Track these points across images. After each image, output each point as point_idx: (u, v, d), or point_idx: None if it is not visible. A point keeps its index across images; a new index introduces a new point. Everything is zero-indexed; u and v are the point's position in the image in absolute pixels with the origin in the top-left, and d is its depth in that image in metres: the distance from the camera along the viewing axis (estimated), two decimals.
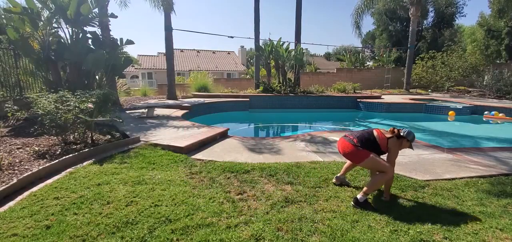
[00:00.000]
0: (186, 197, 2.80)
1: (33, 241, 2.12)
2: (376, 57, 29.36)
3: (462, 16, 25.68)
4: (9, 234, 2.18)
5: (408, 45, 16.79)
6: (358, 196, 2.72)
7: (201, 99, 10.96)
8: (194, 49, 37.47)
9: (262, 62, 14.37)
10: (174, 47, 11.94)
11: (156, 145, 4.56)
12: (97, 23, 7.92)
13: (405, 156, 4.21)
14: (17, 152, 4.07)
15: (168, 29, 11.34)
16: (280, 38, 13.60)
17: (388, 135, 2.85)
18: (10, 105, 4.99)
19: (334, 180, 3.26)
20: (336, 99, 12.19)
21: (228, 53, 38.88)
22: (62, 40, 7.40)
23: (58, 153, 4.10)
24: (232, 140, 5.20)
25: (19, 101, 6.48)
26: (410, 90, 17.05)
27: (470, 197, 3.01)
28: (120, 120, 4.95)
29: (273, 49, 12.57)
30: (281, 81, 12.92)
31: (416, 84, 18.38)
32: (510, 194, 3.08)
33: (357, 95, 12.64)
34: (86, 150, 4.08)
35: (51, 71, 7.29)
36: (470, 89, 17.28)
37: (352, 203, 2.73)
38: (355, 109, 11.85)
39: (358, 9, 16.18)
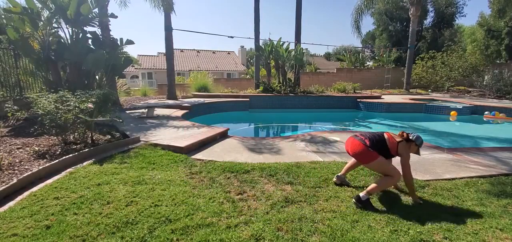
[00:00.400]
0: (186, 197, 2.80)
1: (33, 241, 2.12)
2: (376, 57, 29.37)
3: (462, 16, 25.74)
4: (9, 234, 2.18)
5: (408, 45, 16.79)
6: (361, 194, 2.72)
7: (201, 99, 10.96)
8: (194, 49, 37.47)
9: (262, 62, 14.37)
10: (174, 47, 11.94)
11: (156, 145, 4.56)
12: (97, 23, 7.92)
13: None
14: (17, 152, 4.07)
15: (168, 29, 11.35)
16: (280, 38, 13.61)
17: (398, 139, 2.86)
18: (10, 105, 4.99)
19: (334, 179, 3.27)
20: (336, 99, 12.19)
21: (228, 53, 38.88)
22: (62, 40, 7.40)
23: (58, 153, 4.10)
24: (232, 140, 5.20)
25: (19, 101, 6.49)
26: (410, 90, 17.05)
27: (470, 197, 3.01)
28: (120, 120, 4.95)
29: (273, 49, 12.57)
30: (281, 81, 12.92)
31: (416, 84, 18.38)
32: (510, 194, 3.08)
33: (357, 95, 12.64)
34: (86, 150, 4.08)
35: (51, 71, 7.29)
36: (470, 89, 17.28)
37: (354, 200, 2.73)
38: (355, 109, 11.85)
39: (358, 9, 16.19)
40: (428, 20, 26.29)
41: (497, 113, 9.67)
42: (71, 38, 7.32)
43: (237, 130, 8.56)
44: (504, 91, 14.25)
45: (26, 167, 3.55)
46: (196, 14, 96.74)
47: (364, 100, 11.72)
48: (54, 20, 7.18)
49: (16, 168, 3.50)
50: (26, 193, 2.88)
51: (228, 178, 3.35)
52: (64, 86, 6.29)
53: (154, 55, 34.55)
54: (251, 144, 4.94)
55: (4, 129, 5.40)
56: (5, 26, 6.50)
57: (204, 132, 5.36)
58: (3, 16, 6.88)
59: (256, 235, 2.22)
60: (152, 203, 2.67)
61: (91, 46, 7.69)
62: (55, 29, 7.51)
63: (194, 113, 8.86)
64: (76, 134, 4.60)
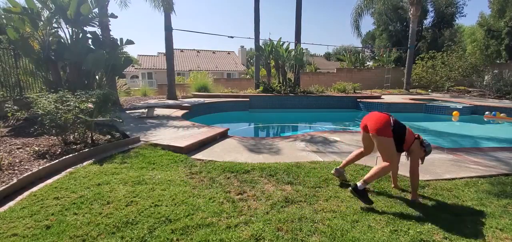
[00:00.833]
0: (186, 197, 2.80)
1: (33, 241, 2.12)
2: (376, 57, 29.37)
3: (462, 16, 25.71)
4: (9, 234, 2.18)
5: (408, 45, 16.79)
6: (358, 183, 2.73)
7: (201, 99, 10.96)
8: (194, 49, 37.47)
9: (262, 62, 14.37)
10: (174, 47, 11.94)
11: (156, 145, 4.56)
12: (97, 23, 7.92)
13: (404, 156, 4.20)
14: (17, 152, 4.07)
15: (168, 29, 11.35)
16: (280, 38, 13.62)
17: (416, 135, 2.94)
18: (10, 105, 4.98)
19: (333, 171, 3.30)
20: (336, 99, 12.19)
21: (228, 53, 38.88)
22: (62, 40, 7.40)
23: (58, 153, 4.10)
24: (232, 140, 5.20)
25: (19, 101, 6.48)
26: (410, 90, 17.06)
27: (470, 197, 3.01)
28: (120, 120, 4.95)
29: (273, 49, 12.57)
30: (281, 81, 12.92)
31: (416, 84, 18.38)
32: (510, 194, 3.08)
33: (357, 95, 12.64)
34: (86, 150, 4.08)
35: (51, 71, 7.29)
36: (470, 89, 17.28)
37: (350, 189, 2.74)
38: (355, 109, 11.85)
39: (358, 9, 16.19)
40: (428, 20, 26.31)
41: (498, 114, 9.66)
42: (71, 38, 7.32)
43: (237, 130, 8.56)
44: (504, 91, 14.25)
45: (26, 167, 3.55)
46: (196, 14, 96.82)
47: (364, 100, 11.73)
48: (54, 20, 7.18)
49: (16, 168, 3.49)
50: (26, 193, 2.88)
51: (228, 178, 3.35)
52: (64, 86, 6.29)
53: (154, 55, 34.55)
54: (251, 144, 4.94)
55: (4, 129, 5.40)
56: (5, 26, 6.50)
57: (204, 132, 5.36)
58: (3, 16, 6.88)
59: (256, 235, 2.22)
60: (152, 203, 2.67)
61: (91, 46, 7.69)
62: (55, 29, 7.51)
63: (194, 113, 8.86)
64: (76, 134, 4.60)
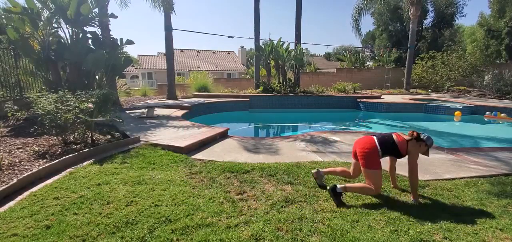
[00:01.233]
0: (186, 197, 2.80)
1: (33, 241, 2.12)
2: (376, 57, 29.37)
3: (462, 16, 25.67)
4: (9, 234, 2.18)
5: (408, 45, 16.79)
6: (338, 186, 2.78)
7: (201, 99, 10.96)
8: (194, 49, 37.46)
9: (262, 62, 14.37)
10: (174, 47, 11.94)
11: (156, 145, 4.56)
12: (97, 23, 7.92)
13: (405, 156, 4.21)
14: (17, 152, 4.07)
15: (168, 29, 11.35)
16: (280, 38, 13.61)
17: (407, 138, 2.85)
18: (10, 105, 4.98)
19: (314, 171, 3.22)
20: (336, 99, 12.18)
21: (228, 53, 38.87)
22: (62, 40, 7.41)
23: (58, 153, 4.10)
24: (232, 140, 5.20)
25: (19, 101, 6.48)
26: (410, 90, 17.05)
27: (470, 197, 3.01)
28: (120, 120, 4.95)
29: (273, 49, 12.57)
30: (281, 81, 12.92)
31: (416, 84, 18.37)
32: (510, 194, 3.08)
33: (357, 95, 12.64)
34: (86, 150, 4.08)
35: (51, 71, 7.29)
36: (470, 89, 17.27)
37: (329, 188, 2.81)
38: (355, 109, 11.85)
39: (358, 9, 16.19)
40: (428, 20, 26.29)
41: (499, 114, 9.66)
42: (71, 38, 7.32)
43: (237, 130, 8.56)
44: (504, 91, 14.24)
45: (26, 167, 3.55)
46: (196, 14, 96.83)
47: (364, 100, 11.72)
48: (54, 20, 7.18)
49: (16, 168, 3.50)
50: (26, 193, 2.88)
51: (228, 178, 3.35)
52: (64, 86, 6.29)
53: (154, 55, 34.54)
54: (251, 144, 4.94)
55: (4, 129, 5.40)
56: (5, 26, 6.50)
57: (204, 132, 5.36)
58: (3, 16, 6.88)
59: (256, 235, 2.22)
60: (152, 203, 2.67)
61: (91, 46, 7.69)
62: (55, 29, 7.51)
63: (194, 113, 8.86)
64: (76, 134, 4.60)
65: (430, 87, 17.76)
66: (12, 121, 5.96)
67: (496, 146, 6.25)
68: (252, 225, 2.36)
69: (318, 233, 2.28)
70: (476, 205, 2.83)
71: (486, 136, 7.85)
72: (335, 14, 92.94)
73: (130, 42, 8.11)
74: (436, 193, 3.08)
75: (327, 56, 50.79)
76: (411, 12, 16.27)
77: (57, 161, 3.58)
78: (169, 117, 7.23)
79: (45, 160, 3.81)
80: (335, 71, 21.81)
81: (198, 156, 4.22)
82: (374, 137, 2.90)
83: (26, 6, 6.45)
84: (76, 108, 4.26)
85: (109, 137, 5.12)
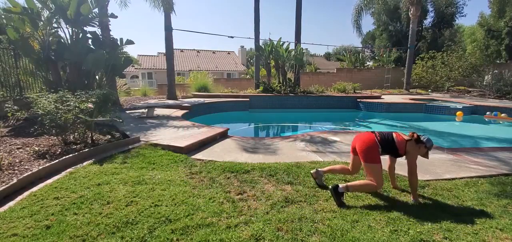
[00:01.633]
0: (186, 197, 2.80)
1: (33, 241, 2.12)
2: (376, 57, 29.36)
3: (462, 16, 25.66)
4: (9, 234, 2.18)
5: (408, 45, 16.79)
6: (340, 186, 2.79)
7: (201, 99, 10.96)
8: (194, 49, 37.46)
9: (262, 62, 14.37)
10: (174, 47, 11.95)
11: (156, 145, 4.56)
12: (97, 23, 7.92)
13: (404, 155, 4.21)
14: (17, 152, 4.07)
15: (168, 29, 11.35)
16: (280, 38, 13.62)
17: (407, 138, 2.87)
18: (10, 105, 4.98)
19: (313, 171, 3.24)
20: (336, 99, 12.19)
21: (228, 53, 38.87)
22: (62, 40, 7.41)
23: (58, 153, 4.10)
24: (232, 140, 5.20)
25: (19, 101, 6.48)
26: (410, 90, 17.06)
27: (470, 197, 3.01)
28: (120, 120, 4.95)
29: (273, 49, 12.57)
30: (281, 81, 12.92)
31: (416, 84, 18.38)
32: (510, 194, 3.08)
33: (357, 95, 12.64)
34: (86, 150, 4.08)
35: (51, 71, 7.29)
36: (470, 89, 17.28)
37: (331, 187, 2.81)
38: (355, 109, 11.85)
39: (358, 8, 16.19)
40: (428, 20, 26.28)
41: (499, 114, 9.66)
42: (71, 38, 7.32)
43: (237, 130, 8.56)
44: (504, 91, 14.25)
45: (26, 167, 3.55)
46: (196, 14, 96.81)
47: (364, 100, 11.72)
48: (54, 20, 7.18)
49: (16, 168, 3.50)
50: (26, 193, 2.88)
51: (228, 178, 3.35)
52: (64, 86, 6.29)
53: (154, 55, 34.54)
54: (251, 144, 4.94)
55: (4, 129, 5.40)
56: (5, 26, 6.50)
57: (204, 132, 5.36)
58: (3, 16, 6.88)
59: (256, 235, 2.22)
60: (152, 203, 2.67)
61: (91, 46, 7.69)
62: (55, 29, 7.51)
63: (194, 113, 8.86)
64: (76, 134, 4.60)
65: (430, 87, 17.77)
66: (12, 121, 5.96)
67: (496, 146, 6.25)
68: (252, 225, 2.36)
69: (318, 233, 2.28)
70: (476, 205, 2.84)
71: (486, 136, 7.85)
72: (335, 14, 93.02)
73: (130, 42, 8.11)
74: (436, 193, 3.08)
75: (327, 56, 50.79)
76: (411, 12, 16.27)
77: (57, 161, 3.58)
78: (169, 117, 7.23)
79: (45, 160, 3.81)
80: (335, 71, 21.81)
81: (198, 156, 4.22)
82: (374, 133, 2.93)
83: (26, 6, 6.45)
84: (76, 108, 4.26)
85: (109, 137, 5.12)
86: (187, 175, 3.42)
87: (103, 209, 2.55)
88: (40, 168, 3.36)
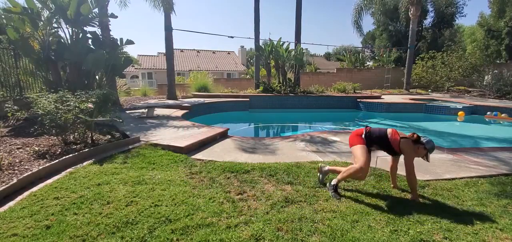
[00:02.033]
0: (186, 197, 2.80)
1: (33, 241, 2.12)
2: (376, 57, 29.36)
3: (462, 16, 25.66)
4: (9, 234, 2.18)
5: (408, 45, 16.79)
6: (333, 180, 2.99)
7: (201, 99, 10.96)
8: (194, 49, 37.46)
9: (262, 62, 14.37)
10: (174, 47, 11.94)
11: (156, 145, 4.56)
12: (97, 23, 7.92)
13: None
14: (17, 152, 4.07)
15: (168, 29, 11.35)
16: (280, 38, 13.61)
17: (402, 135, 2.88)
18: (10, 105, 4.98)
19: (320, 165, 3.34)
20: (336, 99, 12.19)
21: (228, 53, 38.87)
22: (62, 40, 7.40)
23: (58, 153, 4.10)
24: (232, 140, 5.20)
25: (19, 101, 6.48)
26: (410, 90, 17.06)
27: (470, 197, 3.01)
28: (120, 120, 4.95)
29: (273, 49, 12.57)
30: (281, 81, 12.92)
31: (416, 84, 18.37)
32: (510, 194, 3.08)
33: (357, 95, 12.64)
34: (86, 150, 4.08)
35: (51, 71, 7.29)
36: (470, 89, 17.28)
37: (329, 184, 3.03)
38: (355, 109, 11.85)
39: (357, 8, 16.19)
40: (428, 20, 26.29)
41: (499, 114, 9.66)
42: (71, 38, 7.32)
43: (237, 130, 8.56)
44: (504, 91, 14.25)
45: (26, 167, 3.55)
46: (196, 14, 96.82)
47: (364, 100, 11.72)
48: (54, 20, 7.18)
49: (16, 168, 3.50)
50: (26, 193, 2.88)
51: (228, 178, 3.35)
52: (64, 86, 6.29)
53: (154, 55, 34.53)
54: (251, 144, 4.94)
55: (4, 129, 5.40)
56: (5, 26, 6.50)
57: (204, 132, 5.36)
58: (3, 16, 6.88)
59: (256, 235, 2.22)
60: (152, 203, 2.67)
61: (91, 46, 7.69)
62: (55, 29, 7.51)
63: (194, 113, 8.85)
64: (76, 134, 4.60)
65: (430, 87, 17.77)
66: (12, 121, 5.96)
67: (496, 146, 6.25)
68: (252, 225, 2.36)
69: (318, 233, 2.28)
70: (476, 205, 2.84)
71: (486, 136, 7.85)
72: (335, 14, 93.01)
73: (130, 42, 8.11)
74: (436, 193, 3.08)
75: (327, 56, 50.78)
76: (411, 12, 16.27)
77: (57, 161, 3.58)
78: (169, 117, 7.23)
79: (45, 160, 3.81)
80: (335, 71, 21.81)
81: (198, 156, 4.22)
82: (366, 127, 3.05)
83: (26, 6, 6.45)
84: (76, 108, 4.25)
85: (109, 137, 5.12)
86: (187, 175, 3.42)
87: (103, 209, 2.55)
88: (40, 168, 3.36)
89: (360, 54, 27.15)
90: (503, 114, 9.64)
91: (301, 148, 4.78)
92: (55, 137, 4.61)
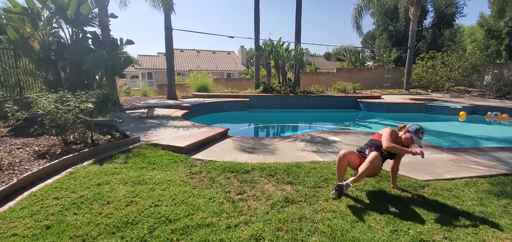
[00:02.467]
0: (186, 197, 2.80)
1: (33, 241, 2.12)
2: (376, 57, 29.36)
3: (462, 16, 25.66)
4: (9, 234, 2.18)
5: (408, 45, 16.79)
6: (344, 183, 2.81)
7: (201, 99, 10.96)
8: (194, 49, 37.46)
9: (262, 62, 14.37)
10: (174, 47, 11.94)
11: (156, 145, 4.56)
12: (97, 23, 7.92)
13: (405, 156, 4.20)
14: (17, 152, 4.07)
15: (168, 29, 11.35)
16: (280, 38, 13.61)
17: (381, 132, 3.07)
18: (10, 105, 4.98)
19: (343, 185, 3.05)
20: (336, 99, 12.19)
21: (228, 53, 38.87)
22: (62, 40, 7.40)
23: (58, 153, 4.10)
24: (232, 140, 5.20)
25: (19, 101, 6.48)
26: (410, 90, 17.06)
27: (470, 197, 3.01)
28: (120, 120, 4.95)
29: (273, 49, 12.57)
30: (281, 81, 12.92)
31: (416, 84, 18.38)
32: (510, 194, 3.08)
33: (357, 95, 12.64)
34: (86, 150, 4.08)
35: (51, 71, 7.29)
36: (470, 89, 17.28)
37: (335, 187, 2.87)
38: (355, 109, 11.85)
39: (357, 8, 16.19)
40: (428, 20, 26.28)
41: (500, 114, 9.66)
42: (71, 38, 7.32)
43: (237, 130, 8.56)
44: (504, 91, 14.25)
45: (26, 167, 3.55)
46: (196, 14, 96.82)
47: (364, 100, 11.73)
48: (54, 20, 7.18)
49: (16, 168, 3.49)
50: (26, 193, 2.88)
51: (228, 178, 3.35)
52: (64, 86, 6.29)
53: (154, 55, 34.54)
54: (251, 144, 4.94)
55: (4, 129, 5.40)
56: (5, 26, 6.50)
57: (204, 132, 5.36)
58: (3, 16, 6.88)
59: (256, 235, 2.22)
60: (152, 203, 2.67)
61: (91, 46, 7.69)
62: (55, 29, 7.51)
63: (194, 113, 8.85)
64: (76, 134, 4.60)
65: (430, 87, 17.77)
66: (12, 121, 5.96)
67: (496, 146, 6.25)
68: (252, 225, 2.36)
69: (318, 233, 2.28)
70: (476, 205, 2.84)
71: (486, 136, 7.85)
72: (335, 14, 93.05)
73: (130, 42, 8.11)
74: (436, 193, 3.08)
75: (327, 56, 50.78)
76: (411, 12, 16.27)
77: (57, 161, 3.58)
78: (169, 117, 7.23)
79: (45, 160, 3.81)
80: (335, 71, 21.82)
81: (198, 156, 4.22)
82: (364, 151, 3.13)
83: (26, 6, 6.45)
84: (76, 108, 4.25)
85: (109, 137, 5.12)
86: (187, 175, 3.42)
87: (103, 209, 2.55)
88: (40, 168, 3.36)
89: (360, 54, 27.15)
90: (503, 115, 9.64)
91: (301, 148, 4.77)
92: (55, 137, 4.61)
